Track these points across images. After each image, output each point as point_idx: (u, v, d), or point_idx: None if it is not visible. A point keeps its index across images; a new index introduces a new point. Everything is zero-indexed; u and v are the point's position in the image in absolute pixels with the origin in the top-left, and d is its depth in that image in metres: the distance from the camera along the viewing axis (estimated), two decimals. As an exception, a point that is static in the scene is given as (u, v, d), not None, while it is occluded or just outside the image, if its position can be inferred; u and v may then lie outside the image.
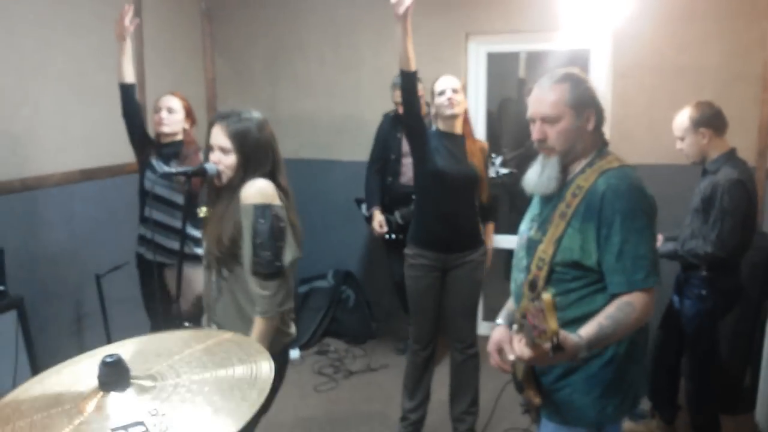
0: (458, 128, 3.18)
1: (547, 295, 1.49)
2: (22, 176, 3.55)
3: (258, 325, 2.22)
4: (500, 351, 2.00)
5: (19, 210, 3.55)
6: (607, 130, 4.26)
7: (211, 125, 2.31)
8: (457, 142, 3.19)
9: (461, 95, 3.13)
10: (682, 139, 3.14)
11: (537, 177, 1.95)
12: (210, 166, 2.25)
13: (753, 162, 3.86)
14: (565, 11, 4.21)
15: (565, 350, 1.58)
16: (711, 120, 3.06)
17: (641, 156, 4.20)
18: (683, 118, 3.12)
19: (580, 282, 1.86)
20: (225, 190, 2.30)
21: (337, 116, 5.04)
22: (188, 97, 3.42)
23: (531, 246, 1.96)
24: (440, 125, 3.19)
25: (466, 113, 3.21)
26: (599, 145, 1.95)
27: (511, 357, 1.83)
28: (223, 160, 2.26)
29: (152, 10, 4.47)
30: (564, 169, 1.93)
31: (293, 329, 2.48)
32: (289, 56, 5.09)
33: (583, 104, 1.88)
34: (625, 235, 1.77)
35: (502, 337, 2.02)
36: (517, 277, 2.02)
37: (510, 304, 2.15)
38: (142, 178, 3.40)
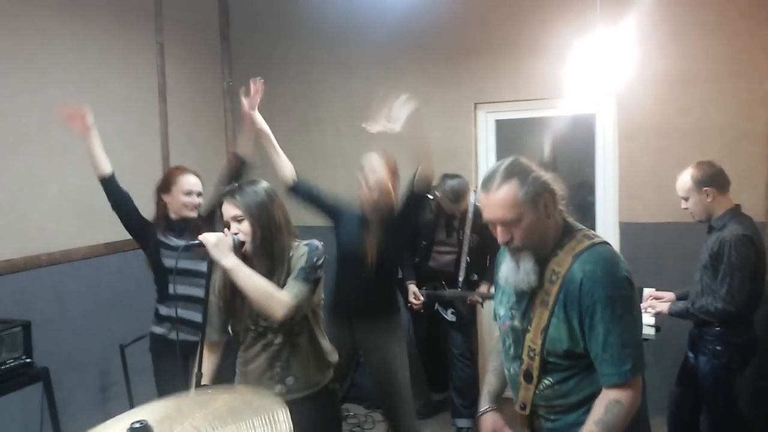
0: None
1: None
2: (49, 251, 3.68)
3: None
4: None
5: (47, 283, 3.67)
6: (615, 191, 4.40)
7: (220, 206, 2.41)
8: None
9: None
10: (686, 199, 3.22)
11: (514, 274, 1.87)
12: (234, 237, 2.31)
13: (762, 218, 3.90)
14: (569, 79, 4.32)
15: None
16: (713, 179, 3.13)
17: (650, 215, 4.27)
18: (686, 178, 3.20)
19: (575, 368, 1.85)
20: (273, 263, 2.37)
21: (353, 185, 5.15)
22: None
23: (517, 336, 1.93)
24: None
25: None
26: (563, 223, 1.90)
27: None
28: (238, 228, 2.33)
29: (176, 89, 4.69)
30: (538, 260, 1.86)
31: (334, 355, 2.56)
32: (306, 129, 5.27)
33: (537, 195, 1.80)
34: (608, 325, 1.74)
35: (496, 423, 2.08)
36: (510, 367, 2.00)
37: (491, 386, 2.18)
38: (155, 259, 3.24)
